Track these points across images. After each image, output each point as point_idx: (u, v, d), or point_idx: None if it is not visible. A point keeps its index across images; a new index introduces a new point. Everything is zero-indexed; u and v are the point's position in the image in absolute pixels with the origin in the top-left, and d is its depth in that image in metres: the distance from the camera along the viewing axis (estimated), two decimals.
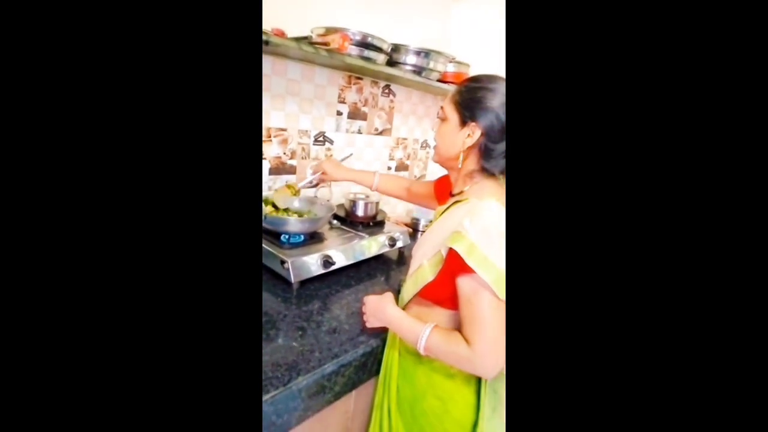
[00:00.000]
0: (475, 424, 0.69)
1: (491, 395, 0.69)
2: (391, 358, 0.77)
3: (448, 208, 0.72)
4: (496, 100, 0.64)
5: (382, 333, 0.82)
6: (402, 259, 1.28)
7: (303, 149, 1.29)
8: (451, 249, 0.61)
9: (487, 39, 1.54)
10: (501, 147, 0.66)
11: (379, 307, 0.75)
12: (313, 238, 1.09)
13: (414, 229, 1.52)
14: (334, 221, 1.25)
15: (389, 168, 1.66)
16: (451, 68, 1.41)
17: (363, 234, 1.18)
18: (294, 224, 1.03)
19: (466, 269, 0.60)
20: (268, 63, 1.11)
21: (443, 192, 0.89)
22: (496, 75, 0.68)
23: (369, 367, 0.81)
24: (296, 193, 1.13)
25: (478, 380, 0.70)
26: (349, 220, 1.26)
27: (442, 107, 0.72)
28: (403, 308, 0.77)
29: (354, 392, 0.83)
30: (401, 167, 1.72)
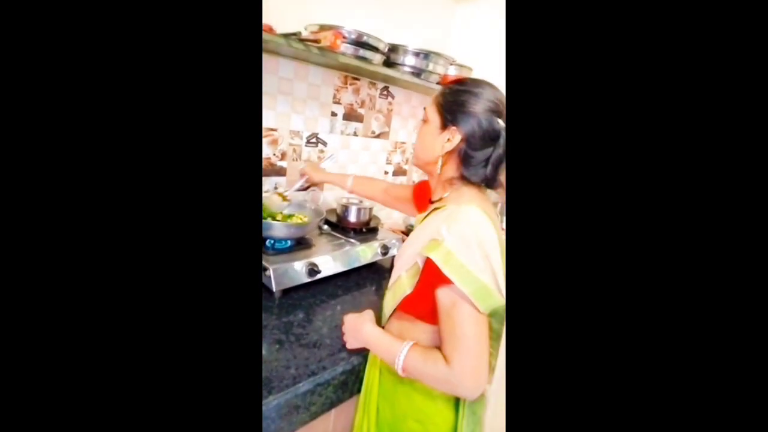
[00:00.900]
0: None
1: (469, 417, 0.64)
2: (372, 376, 0.72)
3: (427, 215, 0.67)
4: (479, 106, 0.60)
5: (364, 351, 0.77)
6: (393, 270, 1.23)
7: (294, 150, 1.24)
8: (427, 258, 0.57)
9: (490, 42, 1.49)
10: (481, 155, 0.61)
11: (356, 327, 0.71)
12: (301, 244, 1.04)
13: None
14: (325, 227, 1.20)
15: (386, 173, 1.61)
16: (452, 71, 1.36)
17: (354, 241, 1.13)
18: (279, 229, 0.98)
19: (443, 279, 0.55)
20: None
21: (423, 198, 0.85)
22: (482, 79, 0.64)
23: (350, 386, 0.76)
24: (285, 199, 1.09)
25: (459, 401, 0.64)
26: (341, 226, 1.21)
27: (425, 108, 0.67)
28: (385, 323, 0.72)
29: (333, 411, 0.77)
30: (399, 172, 1.67)
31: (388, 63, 1.21)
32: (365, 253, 1.12)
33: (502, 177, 0.62)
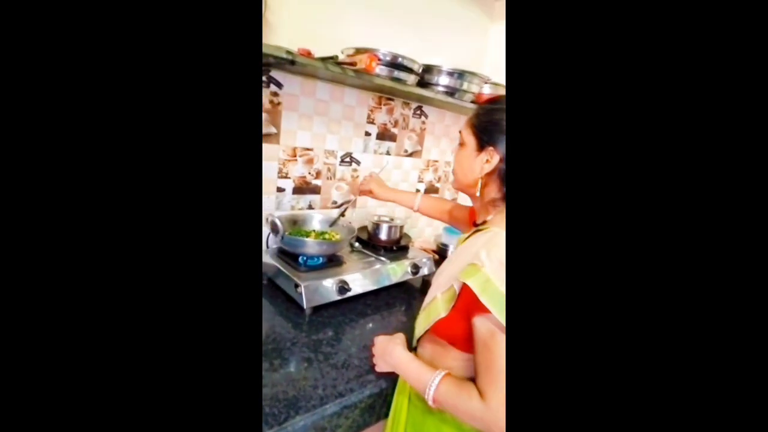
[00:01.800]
0: None
1: None
2: (400, 404, 0.70)
3: (468, 237, 0.65)
4: None
5: (392, 374, 0.75)
6: (425, 288, 1.20)
7: (329, 169, 1.27)
8: (464, 284, 0.54)
9: None
10: None
11: (387, 350, 0.69)
12: (332, 261, 1.05)
13: (441, 256, 1.44)
14: (356, 244, 1.20)
15: (418, 191, 1.61)
16: (486, 89, 1.35)
17: (385, 259, 1.13)
18: (312, 246, 0.99)
19: (481, 308, 0.52)
20: (296, 83, 1.11)
21: (474, 220, 0.83)
22: None
23: (377, 410, 0.74)
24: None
25: None
26: (372, 244, 1.21)
27: (460, 131, 0.66)
28: (416, 344, 0.70)
29: None
30: (431, 190, 1.66)
31: (422, 83, 1.22)
32: (395, 271, 1.12)
33: None
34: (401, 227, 1.24)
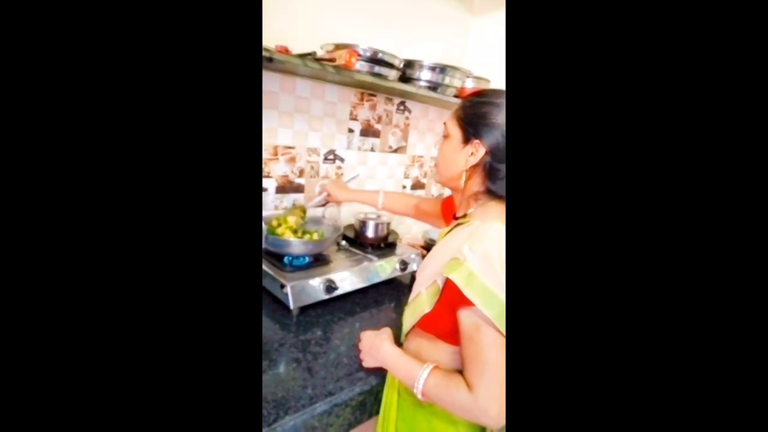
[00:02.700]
0: None
1: None
2: (390, 399, 0.69)
3: (450, 231, 0.65)
4: (503, 116, 0.58)
5: (382, 370, 0.75)
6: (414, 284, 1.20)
7: (312, 167, 1.26)
8: (447, 279, 0.54)
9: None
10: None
11: (374, 345, 0.68)
12: (318, 261, 1.04)
13: (429, 252, 1.44)
14: (343, 242, 1.19)
15: (404, 187, 1.61)
16: (469, 83, 1.35)
17: (372, 256, 1.12)
18: (296, 246, 0.98)
19: (465, 302, 0.53)
20: (276, 80, 1.10)
21: (450, 212, 0.83)
22: (503, 89, 0.62)
23: (368, 407, 0.74)
24: (303, 215, 1.09)
25: (484, 429, 0.61)
26: (359, 242, 1.20)
27: (445, 123, 0.66)
28: (404, 339, 0.70)
29: None
30: (417, 186, 1.66)
31: (404, 78, 1.22)
32: (383, 268, 1.11)
33: None
34: (388, 224, 1.24)
